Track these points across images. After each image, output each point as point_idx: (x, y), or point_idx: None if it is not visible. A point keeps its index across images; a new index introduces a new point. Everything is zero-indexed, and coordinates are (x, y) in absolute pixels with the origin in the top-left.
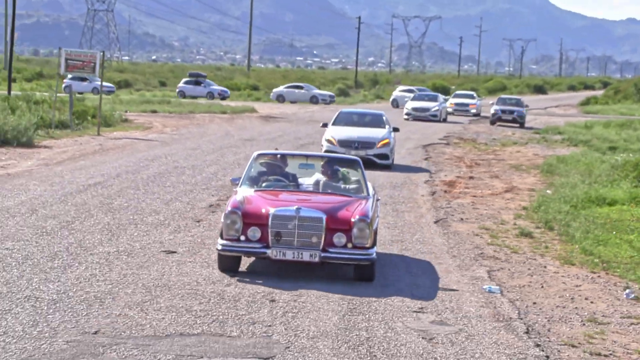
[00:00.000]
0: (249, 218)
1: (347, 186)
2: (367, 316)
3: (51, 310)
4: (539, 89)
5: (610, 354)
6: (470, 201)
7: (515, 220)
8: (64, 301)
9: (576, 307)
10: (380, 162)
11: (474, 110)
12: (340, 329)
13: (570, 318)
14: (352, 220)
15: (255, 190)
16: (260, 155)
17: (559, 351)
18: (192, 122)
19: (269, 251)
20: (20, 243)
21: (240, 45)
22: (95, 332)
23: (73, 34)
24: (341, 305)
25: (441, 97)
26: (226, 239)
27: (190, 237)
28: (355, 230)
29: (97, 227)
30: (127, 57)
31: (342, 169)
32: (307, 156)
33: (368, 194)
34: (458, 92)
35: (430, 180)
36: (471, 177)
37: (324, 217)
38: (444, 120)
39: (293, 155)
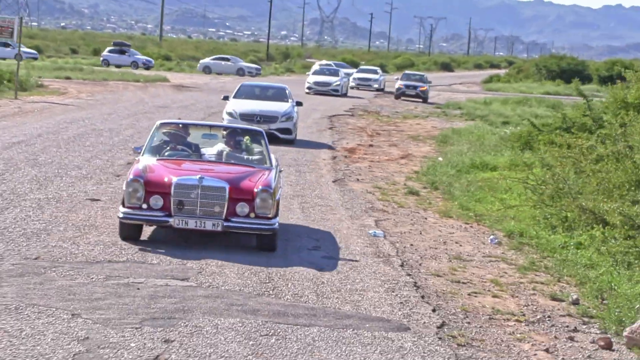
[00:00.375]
0: (151, 186)
1: (250, 157)
2: (267, 252)
3: None
4: (446, 67)
5: (468, 282)
6: (368, 165)
7: (406, 182)
8: (4, 235)
9: (446, 249)
10: (283, 136)
11: (376, 85)
12: (244, 262)
13: (440, 256)
14: (255, 190)
15: (158, 159)
16: (163, 124)
17: (425, 279)
18: (106, 89)
19: (171, 220)
20: None
21: (151, 14)
22: (36, 258)
23: None
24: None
25: (342, 71)
26: (128, 207)
27: (112, 188)
28: (258, 201)
29: (26, 178)
30: (35, 24)
31: (245, 139)
32: (210, 126)
33: (271, 165)
34: (362, 67)
35: (332, 146)
36: (371, 145)
37: (227, 186)
38: (344, 95)
39: (196, 125)
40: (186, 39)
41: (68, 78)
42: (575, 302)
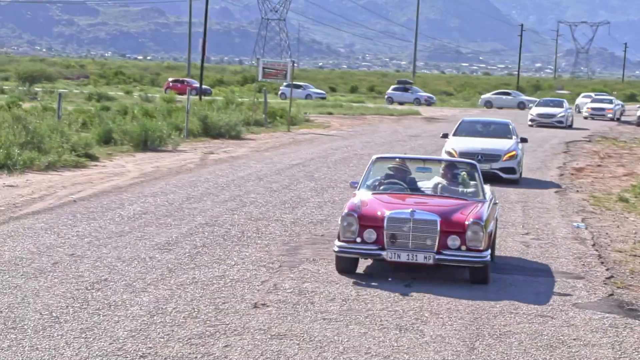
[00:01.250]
0: (365, 220)
1: (465, 190)
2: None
3: (269, 225)
4: None
5: None
6: (591, 181)
7: (621, 193)
8: (298, 222)
9: (635, 236)
10: (506, 176)
11: (610, 115)
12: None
13: (627, 241)
14: (466, 223)
15: (373, 193)
16: (378, 159)
17: (609, 254)
18: (364, 122)
19: (384, 253)
20: (260, 195)
21: (405, 51)
22: (322, 235)
23: (244, 42)
24: None
25: (566, 103)
26: (343, 241)
27: None
28: (469, 233)
29: (307, 188)
30: (295, 65)
31: (462, 173)
32: (424, 160)
33: (484, 198)
34: (596, 96)
35: (563, 166)
36: (599, 165)
37: (439, 219)
38: (570, 127)
39: (411, 159)
40: (439, 74)
41: (330, 113)
42: None
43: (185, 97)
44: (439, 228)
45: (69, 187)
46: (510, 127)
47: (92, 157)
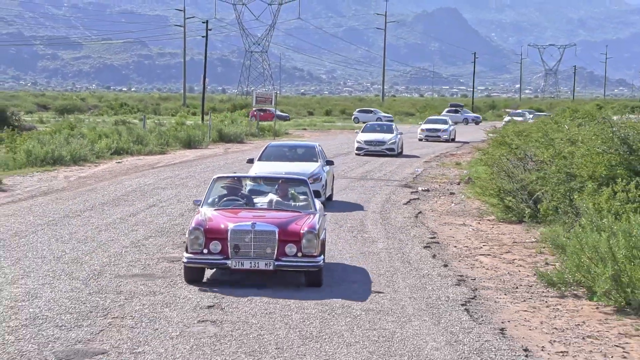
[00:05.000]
0: (211, 233)
1: (297, 203)
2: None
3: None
4: None
5: None
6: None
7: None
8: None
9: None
10: None
11: (445, 136)
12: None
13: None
14: (301, 232)
15: (215, 209)
16: (218, 178)
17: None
18: (327, 134)
19: (229, 262)
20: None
21: (387, 75)
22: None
23: (226, 71)
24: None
25: (395, 126)
26: (191, 253)
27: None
28: (304, 241)
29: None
30: (277, 91)
31: (291, 190)
32: (258, 178)
33: (315, 209)
34: (430, 117)
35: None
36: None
37: (277, 230)
38: (400, 155)
39: (246, 177)
40: (411, 97)
41: (304, 129)
42: None
43: (255, 120)
44: (277, 237)
45: (169, 160)
46: (317, 150)
47: (164, 151)
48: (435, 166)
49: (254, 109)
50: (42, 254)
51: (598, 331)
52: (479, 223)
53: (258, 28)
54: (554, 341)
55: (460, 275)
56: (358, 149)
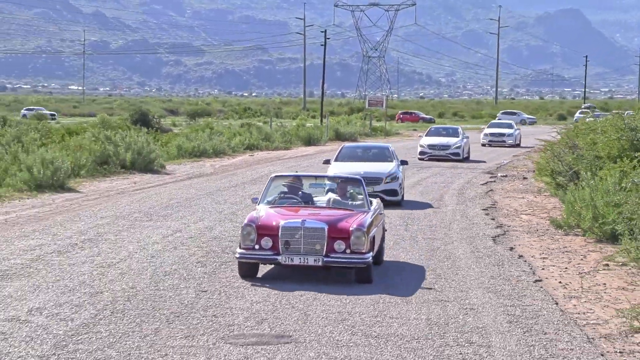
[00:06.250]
0: (263, 229)
1: (353, 202)
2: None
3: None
4: None
5: None
6: None
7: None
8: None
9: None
10: (389, 198)
11: (510, 141)
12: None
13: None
14: (350, 229)
15: (271, 207)
16: (276, 177)
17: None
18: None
19: (279, 257)
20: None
21: (507, 78)
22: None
23: (345, 75)
24: None
25: (461, 130)
26: (243, 248)
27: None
28: (352, 238)
29: None
30: (396, 95)
31: (351, 190)
32: (316, 177)
33: (369, 208)
34: (493, 121)
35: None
36: None
37: (326, 227)
38: (466, 159)
39: (305, 176)
40: (531, 100)
41: (415, 129)
42: None
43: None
44: (326, 234)
45: (292, 154)
46: (390, 150)
47: (288, 147)
48: (522, 158)
49: (399, 112)
50: (209, 209)
51: (575, 250)
52: (535, 197)
53: (376, 33)
54: (542, 253)
55: (501, 225)
56: (421, 153)
